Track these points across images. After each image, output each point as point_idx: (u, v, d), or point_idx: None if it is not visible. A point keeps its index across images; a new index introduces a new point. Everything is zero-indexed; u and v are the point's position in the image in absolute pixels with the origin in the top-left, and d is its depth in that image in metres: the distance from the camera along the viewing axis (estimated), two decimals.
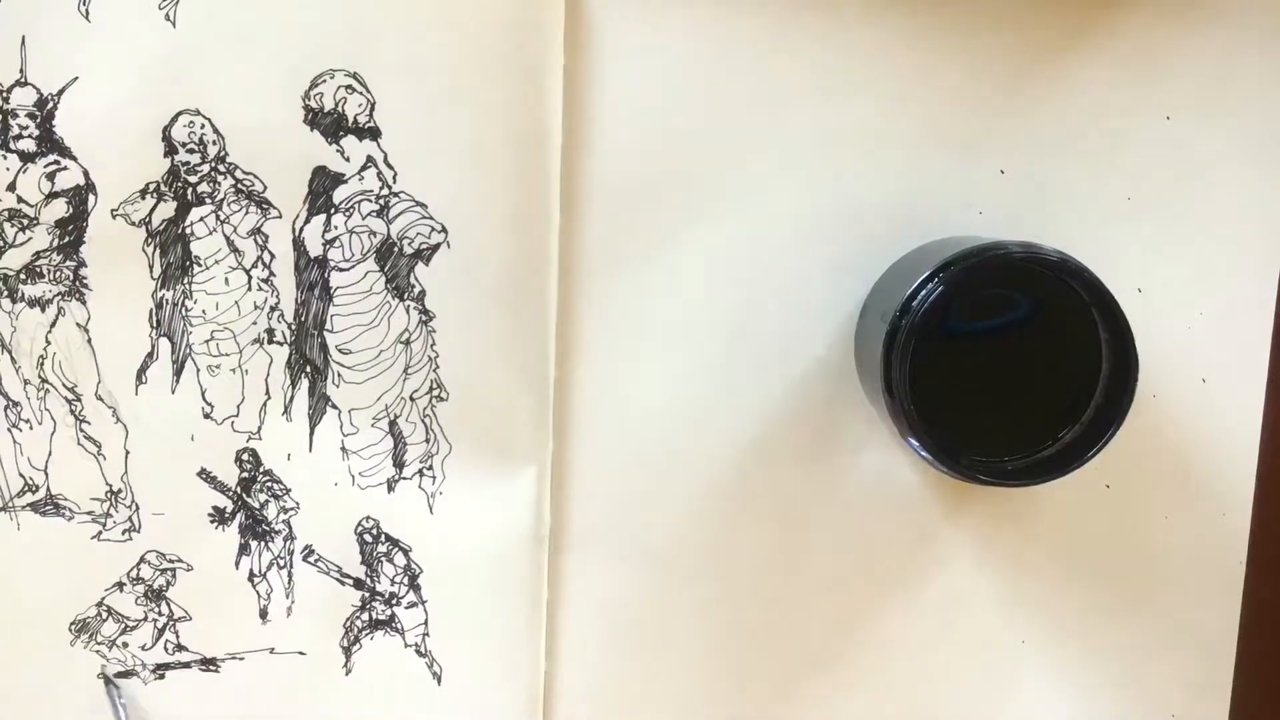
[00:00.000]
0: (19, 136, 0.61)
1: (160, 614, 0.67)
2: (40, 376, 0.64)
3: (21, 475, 0.65)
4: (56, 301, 0.63)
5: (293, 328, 0.64)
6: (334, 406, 0.65)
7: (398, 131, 0.62)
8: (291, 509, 0.66)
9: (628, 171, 0.63)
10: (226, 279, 0.63)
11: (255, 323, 0.64)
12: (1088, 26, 0.63)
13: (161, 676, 0.68)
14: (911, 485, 0.67)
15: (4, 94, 0.61)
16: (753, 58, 0.63)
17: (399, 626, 0.67)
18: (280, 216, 0.63)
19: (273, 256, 0.63)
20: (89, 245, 0.62)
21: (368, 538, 0.66)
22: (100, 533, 0.65)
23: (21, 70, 0.61)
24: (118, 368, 0.64)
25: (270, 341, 0.64)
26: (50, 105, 0.61)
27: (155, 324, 0.63)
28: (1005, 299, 0.59)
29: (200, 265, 0.63)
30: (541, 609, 0.66)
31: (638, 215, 0.64)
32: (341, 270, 0.63)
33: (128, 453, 0.65)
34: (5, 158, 0.62)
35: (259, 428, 0.65)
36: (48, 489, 0.65)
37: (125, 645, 0.67)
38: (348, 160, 0.62)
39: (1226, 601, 0.68)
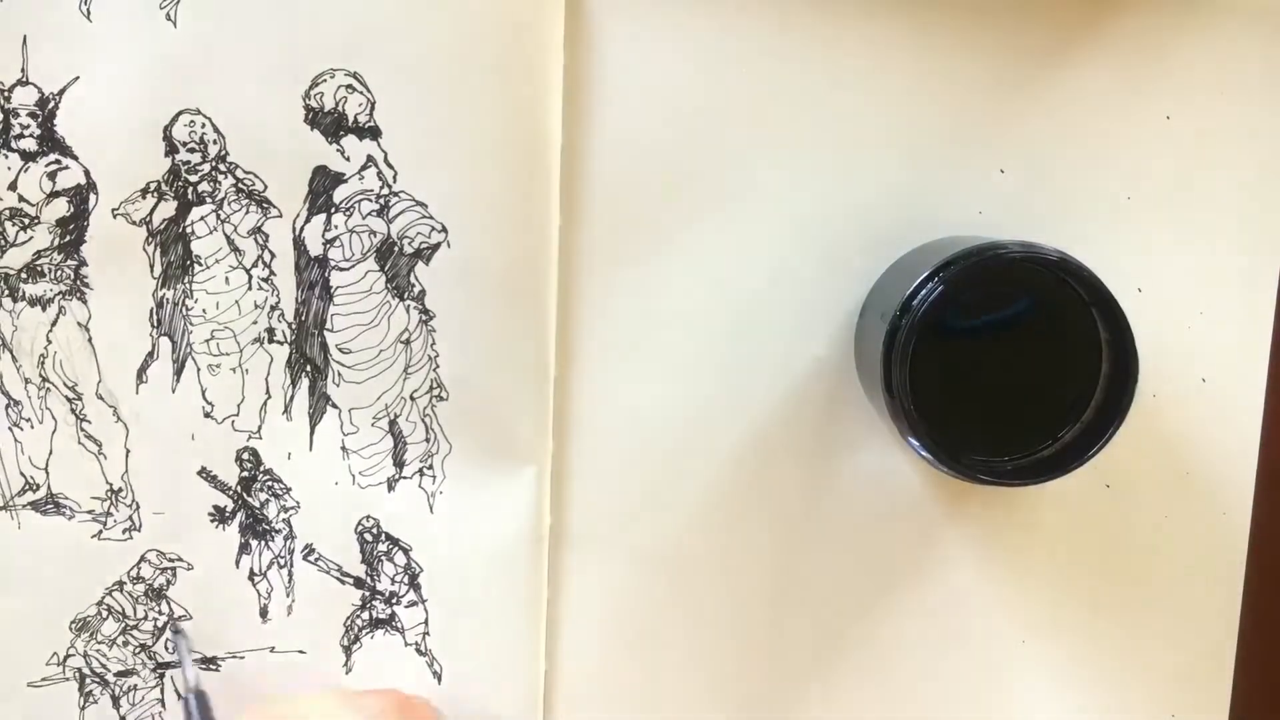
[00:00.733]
0: (20, 136, 0.61)
1: (161, 613, 0.67)
2: (41, 375, 0.64)
3: (22, 474, 0.65)
4: (57, 300, 0.63)
5: (293, 327, 0.64)
6: (334, 406, 0.65)
7: (398, 131, 0.62)
8: (292, 508, 0.66)
9: (628, 171, 0.63)
10: (227, 278, 0.63)
11: (255, 322, 0.64)
12: (1088, 26, 0.63)
13: (161, 676, 0.68)
14: (911, 485, 0.67)
15: (5, 93, 0.61)
16: (752, 58, 0.63)
17: (399, 625, 0.67)
18: (280, 216, 0.63)
19: (273, 256, 0.63)
20: (90, 244, 0.62)
21: (368, 537, 0.66)
22: (101, 532, 0.65)
23: (23, 69, 0.61)
24: (118, 367, 0.64)
25: (270, 341, 0.64)
26: (51, 105, 0.61)
27: (156, 323, 0.63)
28: (1005, 299, 0.59)
29: (201, 264, 0.63)
30: (541, 609, 0.66)
31: (637, 215, 0.64)
32: (342, 270, 0.63)
33: (128, 452, 0.65)
34: (6, 157, 0.62)
35: (259, 427, 0.65)
36: (48, 488, 0.65)
37: (126, 644, 0.67)
38: (348, 160, 0.62)
39: (1226, 601, 0.68)
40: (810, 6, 0.62)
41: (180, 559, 0.66)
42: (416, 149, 0.62)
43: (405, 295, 0.63)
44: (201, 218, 0.63)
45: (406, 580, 0.66)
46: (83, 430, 0.64)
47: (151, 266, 0.63)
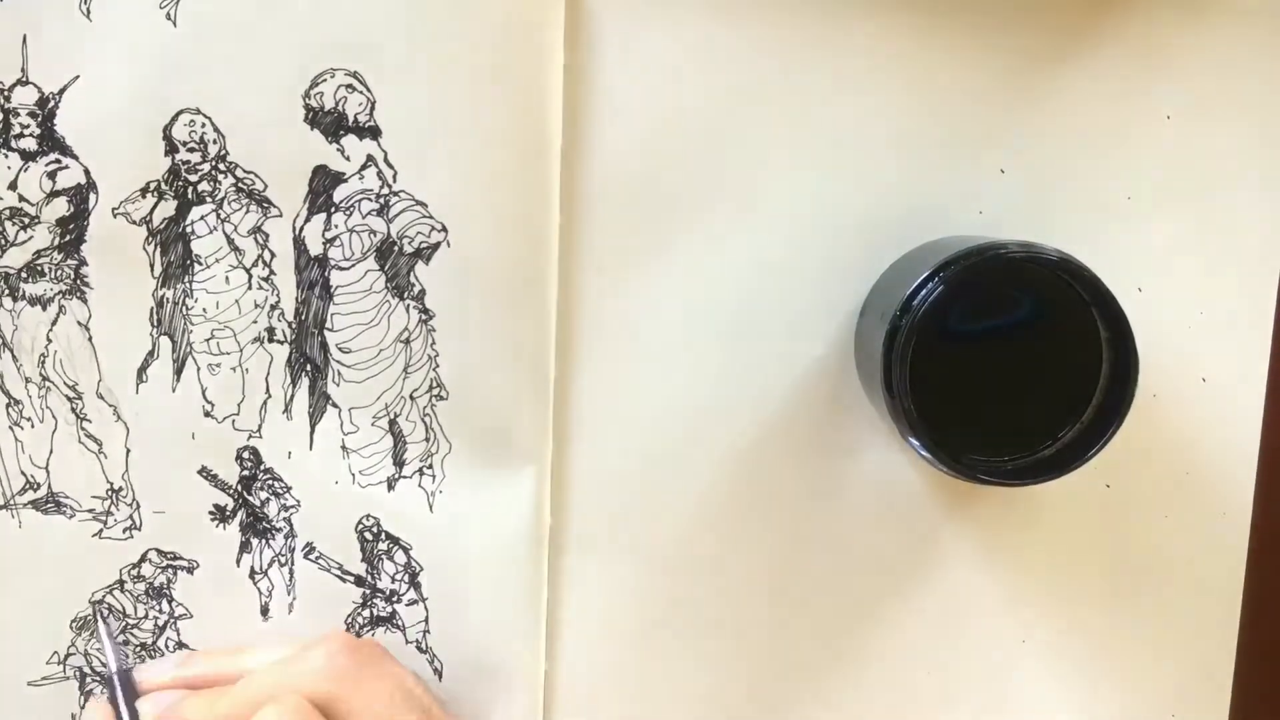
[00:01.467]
0: (20, 135, 0.61)
1: (161, 612, 0.67)
2: (41, 375, 0.64)
3: (23, 473, 0.65)
4: (57, 300, 0.63)
5: (293, 326, 0.64)
6: (334, 405, 0.65)
7: (398, 130, 0.62)
8: (292, 507, 0.66)
9: (628, 171, 0.63)
10: (227, 278, 0.63)
11: (255, 321, 0.64)
12: (1088, 26, 0.63)
13: None
14: (911, 485, 0.67)
15: (5, 93, 0.61)
16: (753, 58, 0.63)
17: (400, 623, 0.67)
18: (280, 215, 0.63)
19: (273, 255, 0.63)
20: (90, 244, 0.63)
21: (368, 535, 0.66)
22: (101, 531, 0.66)
23: (23, 69, 0.61)
24: (118, 366, 0.64)
25: (271, 340, 0.64)
26: (51, 104, 0.61)
27: (156, 322, 0.64)
28: (1005, 299, 0.59)
29: (201, 264, 0.63)
30: (541, 608, 0.66)
31: (638, 215, 0.64)
32: (342, 269, 0.63)
33: (129, 451, 0.65)
34: (6, 156, 0.62)
35: (259, 426, 0.65)
36: (49, 487, 0.65)
37: (126, 643, 0.67)
38: (348, 159, 0.62)
39: (1226, 601, 0.68)
40: (810, 7, 0.62)
41: (181, 558, 0.66)
42: (416, 149, 0.62)
43: (405, 295, 0.63)
44: (201, 217, 0.63)
45: (407, 579, 0.66)
46: (83, 429, 0.64)
47: (151, 266, 0.63)
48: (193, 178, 0.62)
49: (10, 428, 0.64)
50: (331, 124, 0.62)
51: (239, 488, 0.66)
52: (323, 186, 0.62)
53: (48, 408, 0.64)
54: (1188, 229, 0.65)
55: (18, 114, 0.61)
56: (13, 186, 0.62)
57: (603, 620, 0.67)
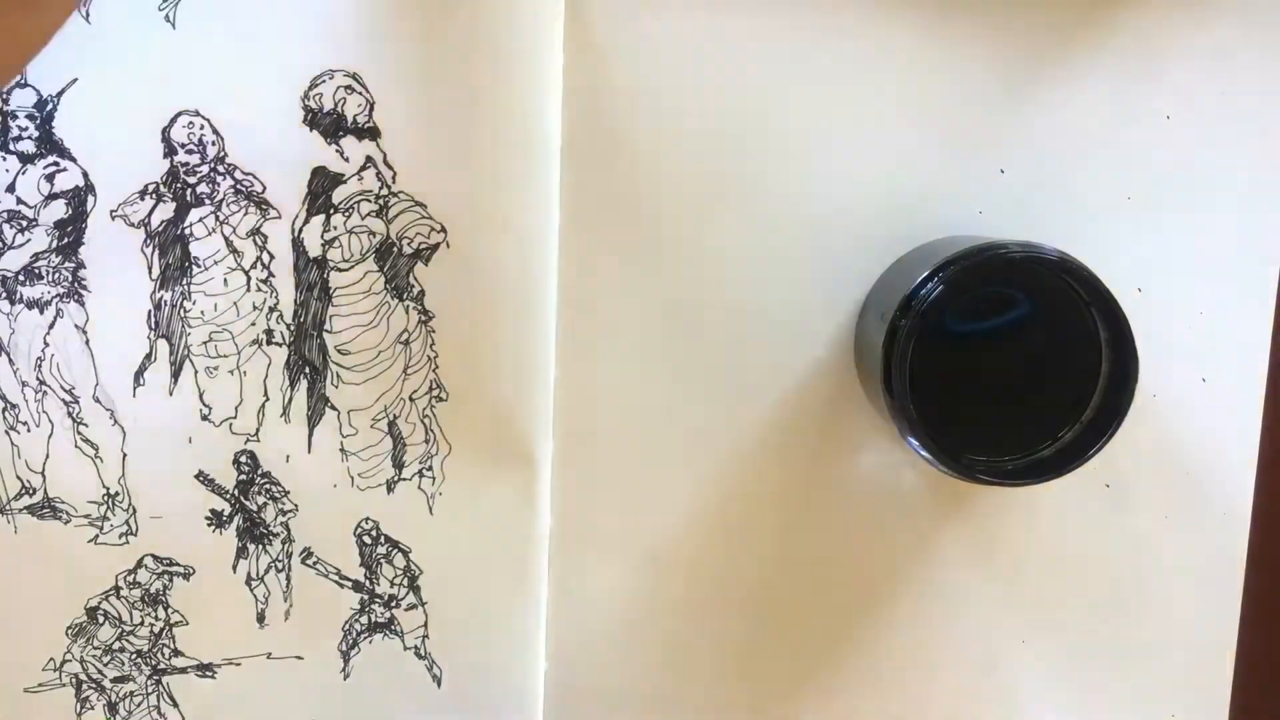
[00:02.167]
0: (18, 138, 0.61)
1: (157, 618, 0.66)
2: (38, 378, 0.63)
3: (19, 478, 0.65)
4: (55, 303, 0.63)
5: (291, 328, 0.64)
6: (333, 408, 0.65)
7: (397, 132, 0.62)
8: (290, 511, 0.66)
9: (628, 171, 0.63)
10: (225, 280, 0.63)
11: (254, 324, 0.64)
12: (1088, 26, 0.64)
13: (158, 682, 0.67)
14: (911, 485, 0.67)
15: (4, 95, 0.61)
16: (753, 58, 0.63)
17: (398, 629, 0.67)
18: (279, 217, 0.63)
19: (272, 257, 0.63)
20: (88, 247, 0.62)
21: (367, 539, 0.66)
22: (97, 536, 0.65)
23: (21, 72, 0.61)
24: (116, 370, 0.64)
25: (269, 343, 0.64)
26: (50, 107, 0.61)
27: (154, 325, 0.63)
28: (1005, 299, 0.59)
29: (199, 266, 0.63)
30: (541, 609, 0.66)
31: (638, 215, 0.64)
32: (341, 270, 0.63)
33: (125, 455, 0.65)
34: (4, 159, 0.61)
35: (257, 429, 0.65)
36: (45, 492, 0.65)
37: (122, 650, 0.67)
38: (347, 160, 0.62)
39: (1226, 601, 0.68)
40: (810, 7, 0.63)
41: (177, 563, 0.66)
42: (416, 149, 0.62)
43: (404, 296, 0.63)
44: (200, 219, 0.63)
45: (406, 582, 0.66)
46: (80, 433, 0.64)
47: (150, 268, 0.63)
48: (191, 180, 0.62)
49: (6, 432, 0.64)
50: (330, 125, 0.62)
51: (236, 492, 0.65)
52: (322, 188, 0.62)
53: (44, 412, 0.64)
54: (1188, 229, 0.65)
55: (16, 116, 0.61)
56: (11, 189, 0.62)
57: (603, 620, 0.67)
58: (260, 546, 0.66)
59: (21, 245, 0.62)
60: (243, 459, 0.65)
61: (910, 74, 0.64)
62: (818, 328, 0.65)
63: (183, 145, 0.62)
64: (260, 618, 0.67)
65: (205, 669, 0.67)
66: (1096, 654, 0.69)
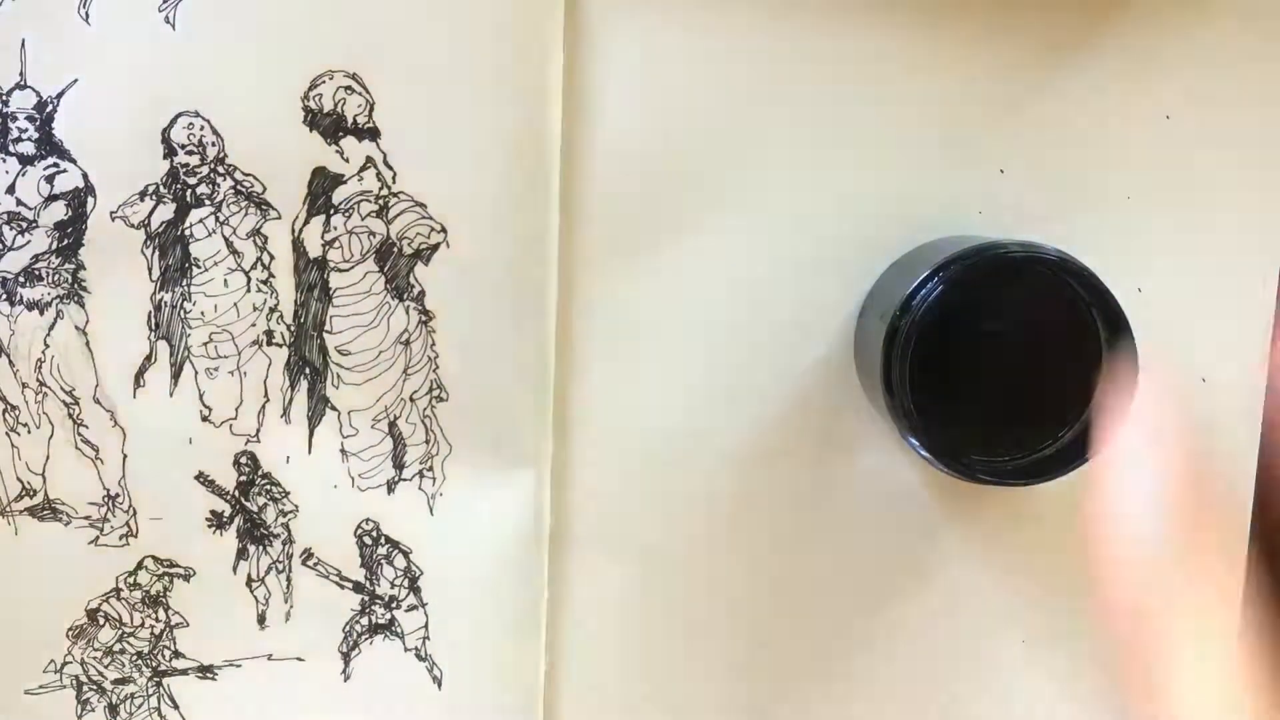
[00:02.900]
0: (18, 139, 0.61)
1: (158, 620, 0.66)
2: (38, 380, 0.63)
3: (19, 479, 0.65)
4: (55, 304, 0.63)
5: (292, 329, 0.64)
6: (333, 408, 0.65)
7: (397, 132, 0.62)
8: (290, 512, 0.66)
9: (628, 171, 0.63)
10: (226, 281, 0.63)
11: (254, 325, 0.64)
12: (1087, 26, 0.64)
13: (158, 684, 0.67)
14: (911, 485, 0.67)
15: (3, 97, 0.61)
16: (752, 58, 0.63)
17: (399, 630, 0.67)
18: (279, 218, 0.63)
19: (272, 258, 0.63)
20: (88, 248, 0.62)
21: (367, 540, 0.66)
22: (97, 537, 0.65)
23: (21, 73, 0.61)
24: (116, 371, 0.64)
25: (269, 343, 0.64)
26: (50, 108, 0.61)
27: (154, 326, 0.63)
28: (1005, 299, 0.59)
29: (199, 267, 0.63)
30: (541, 609, 0.66)
31: (638, 215, 0.64)
32: (341, 271, 0.63)
33: (125, 456, 0.65)
34: (4, 161, 0.61)
35: (257, 430, 0.65)
36: (45, 493, 0.65)
37: (123, 651, 0.67)
38: (347, 161, 0.62)
39: (1227, 601, 0.68)
40: (810, 7, 0.63)
41: (177, 565, 0.66)
42: (416, 149, 0.62)
43: (405, 296, 0.63)
44: (200, 220, 0.63)
45: (407, 583, 0.66)
46: (80, 435, 0.64)
47: (150, 269, 0.63)
48: (191, 180, 0.62)
49: (6, 433, 0.64)
50: (330, 125, 0.62)
51: (236, 493, 0.65)
52: (322, 188, 0.62)
53: (44, 413, 0.64)
54: (1188, 229, 0.65)
55: (15, 118, 0.61)
56: (10, 191, 0.62)
57: (603, 620, 0.67)
58: (261, 548, 0.66)
59: (21, 247, 0.62)
60: (243, 460, 0.65)
61: (910, 74, 0.64)
62: (818, 328, 0.65)
63: (183, 146, 0.62)
64: (261, 619, 0.67)
65: (206, 670, 0.67)
66: (1097, 654, 0.69)
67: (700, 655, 0.68)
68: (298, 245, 0.63)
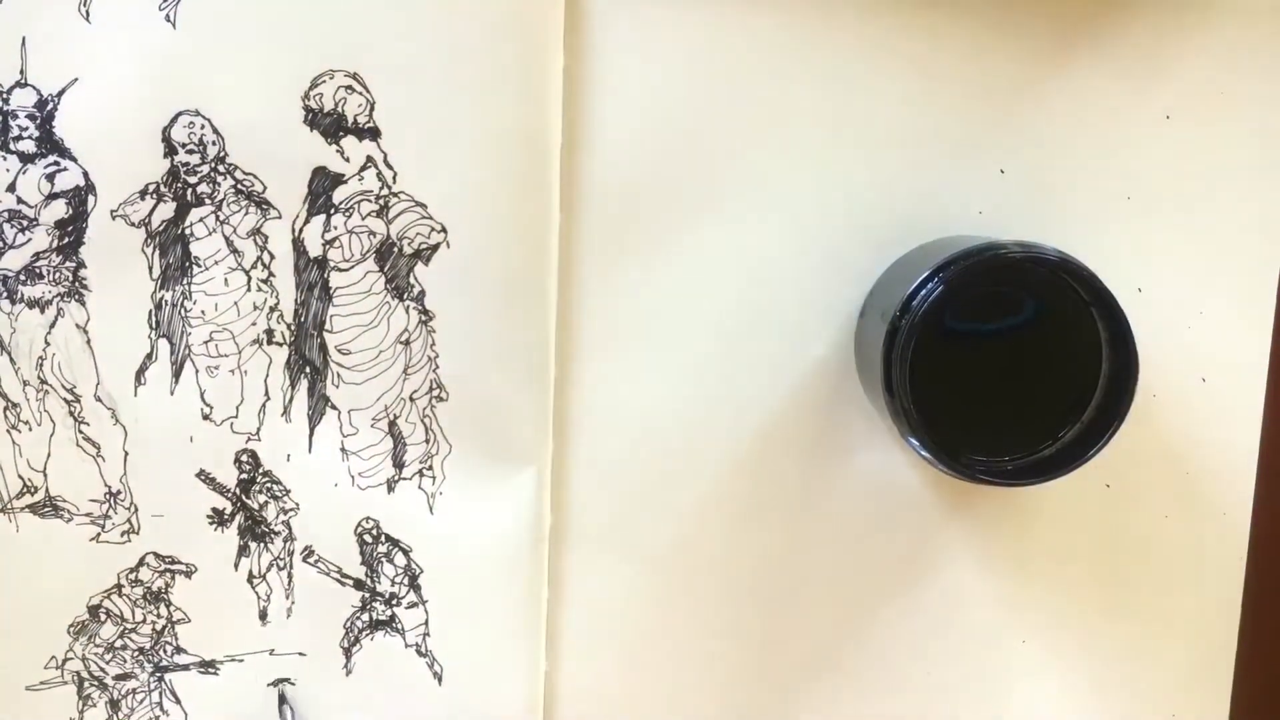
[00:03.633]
0: (19, 138, 0.61)
1: (159, 616, 0.67)
2: (39, 378, 0.64)
3: (20, 477, 0.65)
4: (56, 302, 0.63)
5: (292, 328, 0.64)
6: (333, 407, 0.65)
7: (398, 131, 0.62)
8: (291, 510, 0.66)
9: (628, 171, 0.63)
10: (226, 280, 0.63)
11: (254, 323, 0.64)
12: (1087, 26, 0.63)
13: (160, 680, 0.67)
14: (911, 485, 0.67)
15: (4, 95, 0.61)
16: (752, 58, 0.63)
17: (399, 627, 0.67)
18: (280, 217, 0.63)
19: (272, 257, 0.63)
20: (88, 246, 0.62)
21: (367, 538, 0.66)
22: (99, 534, 0.65)
23: (22, 71, 0.61)
24: (117, 369, 0.64)
25: (270, 342, 0.64)
26: (50, 106, 0.61)
27: (154, 325, 0.63)
28: (1005, 299, 0.59)
29: (200, 266, 0.63)
30: (541, 609, 0.66)
31: (638, 215, 0.64)
32: (341, 270, 0.63)
33: (127, 454, 0.65)
34: (5, 159, 0.61)
35: (258, 429, 0.65)
36: (46, 490, 0.65)
37: (124, 648, 0.67)
38: (347, 160, 0.62)
39: (1226, 601, 0.68)
40: (811, 7, 0.63)
41: (179, 561, 0.66)
42: (416, 149, 0.62)
43: (405, 296, 0.63)
44: (201, 219, 0.63)
45: (406, 581, 0.66)
46: (81, 433, 0.64)
47: (150, 268, 0.63)
48: (192, 179, 0.62)
49: (8, 431, 0.64)
50: (331, 125, 0.62)
51: (237, 491, 0.65)
52: (322, 188, 0.62)
53: (46, 411, 0.64)
54: (1188, 229, 0.65)
55: (16, 116, 0.61)
56: (11, 189, 0.62)
57: (603, 620, 0.67)
58: (262, 545, 0.66)
59: (22, 245, 0.62)
60: (244, 458, 0.65)
61: (910, 74, 0.64)
62: (818, 328, 0.65)
63: (183, 145, 0.62)
64: (262, 615, 0.67)
65: (208, 665, 0.68)
66: (1096, 654, 0.69)
67: (699, 653, 0.68)
68: (298, 244, 0.63)
